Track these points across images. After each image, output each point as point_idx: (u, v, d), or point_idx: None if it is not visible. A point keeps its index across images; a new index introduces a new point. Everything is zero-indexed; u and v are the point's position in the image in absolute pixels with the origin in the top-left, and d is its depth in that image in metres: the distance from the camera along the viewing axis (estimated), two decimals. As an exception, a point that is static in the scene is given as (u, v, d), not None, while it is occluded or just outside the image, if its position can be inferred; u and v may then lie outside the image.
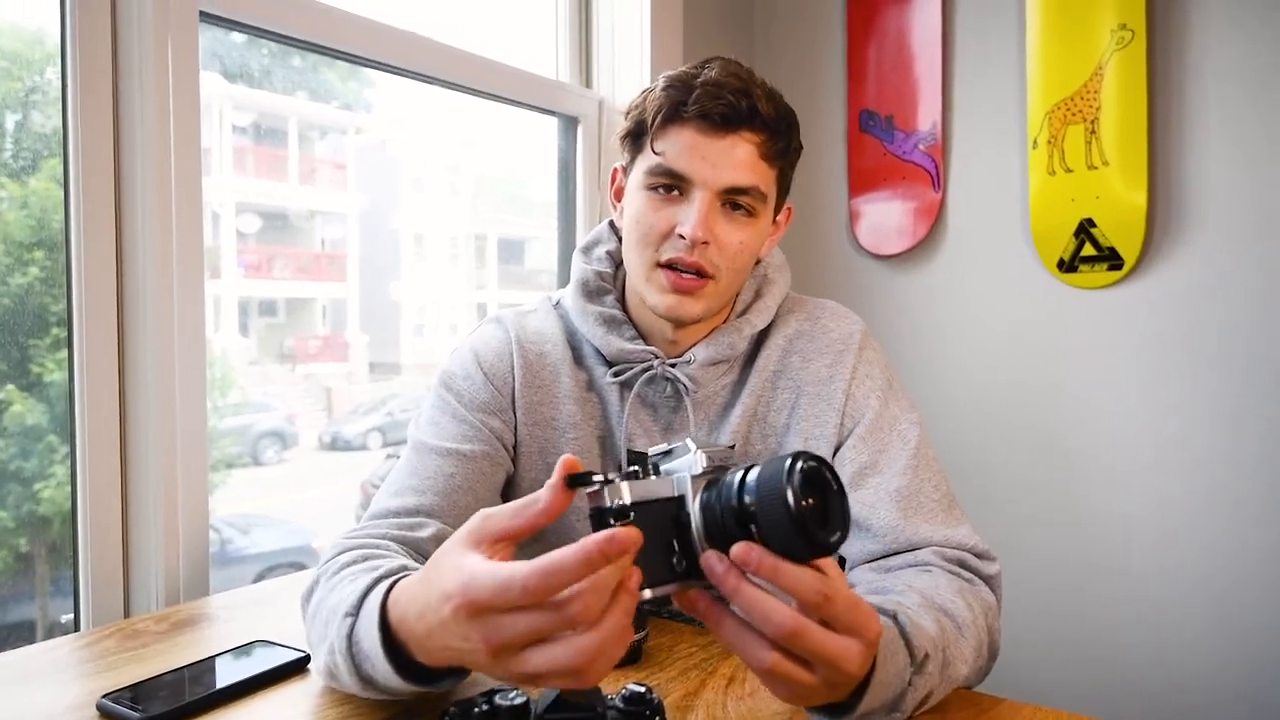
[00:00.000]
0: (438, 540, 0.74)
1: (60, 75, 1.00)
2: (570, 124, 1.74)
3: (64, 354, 1.10)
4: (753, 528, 0.48)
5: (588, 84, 1.78)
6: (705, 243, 0.79)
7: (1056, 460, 1.69)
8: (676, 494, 0.51)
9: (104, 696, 0.65)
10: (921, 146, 1.79)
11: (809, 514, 0.47)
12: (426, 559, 0.65)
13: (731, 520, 0.49)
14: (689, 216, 0.79)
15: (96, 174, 0.98)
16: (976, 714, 0.65)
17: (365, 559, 0.67)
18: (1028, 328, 1.71)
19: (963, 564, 0.77)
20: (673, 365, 0.86)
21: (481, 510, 0.52)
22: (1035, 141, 1.65)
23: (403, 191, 2.51)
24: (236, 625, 0.85)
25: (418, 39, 1.39)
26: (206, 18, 1.09)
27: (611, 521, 0.47)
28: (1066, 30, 1.60)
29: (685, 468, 0.51)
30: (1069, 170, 1.61)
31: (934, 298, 1.82)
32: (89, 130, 0.98)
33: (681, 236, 0.79)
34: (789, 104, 0.85)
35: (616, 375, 0.86)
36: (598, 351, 0.88)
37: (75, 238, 0.97)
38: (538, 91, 1.61)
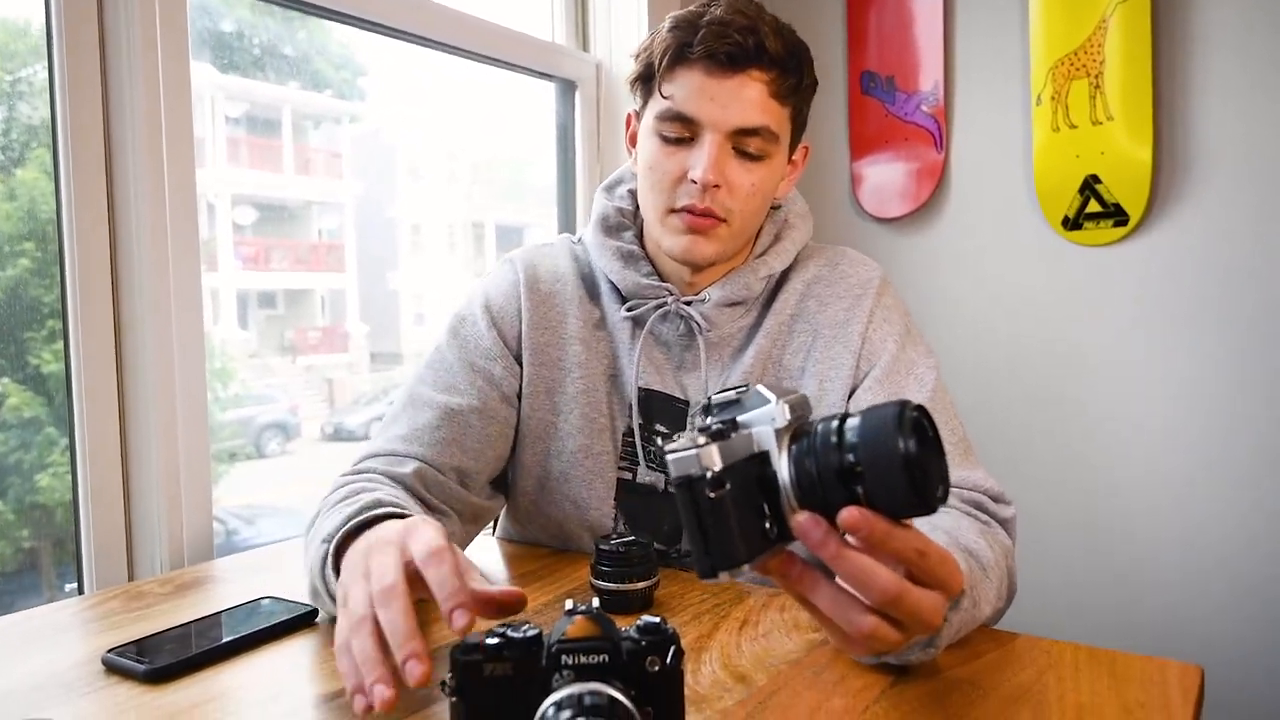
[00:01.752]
0: (419, 476, 0.79)
1: (47, 58, 0.99)
2: (568, 88, 1.72)
3: (60, 345, 1.09)
4: (859, 489, 0.44)
5: (585, 47, 1.76)
6: (716, 186, 0.79)
7: (1064, 418, 1.68)
8: (758, 450, 0.47)
9: (109, 651, 0.65)
10: (924, 107, 1.77)
11: (923, 470, 0.43)
12: (408, 490, 0.77)
13: (833, 478, 0.45)
14: (699, 160, 0.79)
15: (87, 163, 0.98)
16: (996, 646, 0.64)
17: (359, 493, 0.71)
18: (1033, 287, 1.69)
19: (979, 506, 0.76)
20: (687, 303, 0.85)
21: (418, 518, 0.56)
22: (1039, 98, 1.62)
23: (399, 180, 2.50)
24: (241, 585, 0.85)
25: (419, 1, 1.38)
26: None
27: (708, 493, 0.44)
28: (1069, -16, 1.58)
29: (765, 420, 0.46)
30: (1073, 126, 1.59)
31: (938, 259, 1.80)
32: (78, 116, 0.97)
33: (693, 181, 0.79)
34: (801, 40, 0.83)
35: (630, 310, 0.86)
36: (613, 288, 0.88)
37: (67, 227, 0.97)
38: (534, 54, 1.59)
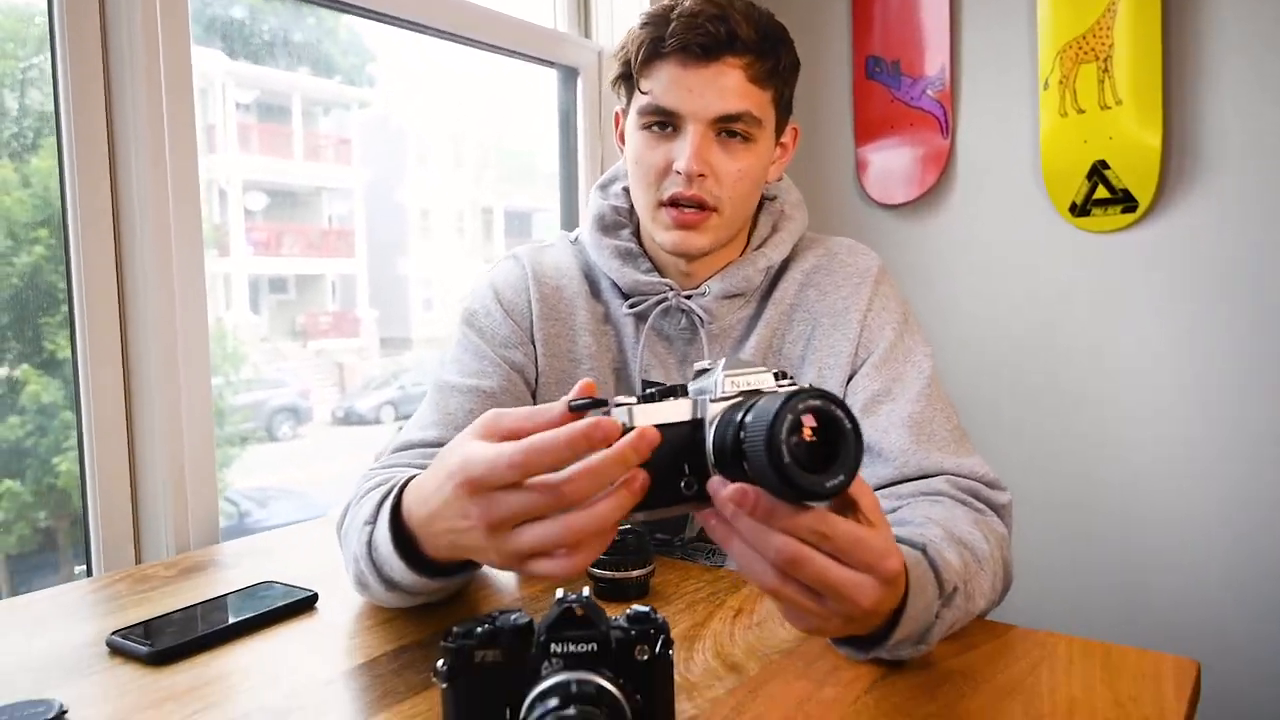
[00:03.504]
0: None
1: (50, 48, 1.00)
2: (570, 75, 1.71)
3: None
4: (745, 466, 0.46)
5: (586, 34, 1.75)
6: (701, 175, 0.80)
7: (1069, 407, 1.67)
8: (696, 416, 0.50)
9: (114, 633, 0.66)
10: (930, 92, 1.75)
11: (798, 458, 0.43)
12: None
13: (730, 453, 0.47)
14: (683, 150, 0.79)
15: (90, 151, 0.99)
16: (989, 638, 0.64)
17: (386, 482, 0.70)
18: (1040, 273, 1.68)
19: (974, 494, 0.77)
20: (688, 297, 0.87)
21: (494, 410, 0.53)
22: (1046, 82, 1.60)
23: (408, 165, 2.50)
24: (245, 569, 0.86)
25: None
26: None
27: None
28: (1078, -35, 1.55)
29: (709, 389, 0.50)
30: (1081, 111, 1.56)
31: (944, 246, 1.78)
32: (81, 105, 0.98)
33: (678, 172, 0.80)
34: (777, 21, 0.83)
35: (632, 307, 0.87)
36: (614, 285, 0.89)
37: (72, 215, 0.98)
38: (536, 41, 1.59)
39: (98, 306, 0.98)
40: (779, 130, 0.87)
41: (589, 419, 0.46)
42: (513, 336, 0.87)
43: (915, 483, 0.77)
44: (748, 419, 0.46)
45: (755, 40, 0.79)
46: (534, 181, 2.61)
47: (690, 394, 0.52)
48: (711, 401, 0.49)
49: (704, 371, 0.51)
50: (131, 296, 1.01)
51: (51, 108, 1.09)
